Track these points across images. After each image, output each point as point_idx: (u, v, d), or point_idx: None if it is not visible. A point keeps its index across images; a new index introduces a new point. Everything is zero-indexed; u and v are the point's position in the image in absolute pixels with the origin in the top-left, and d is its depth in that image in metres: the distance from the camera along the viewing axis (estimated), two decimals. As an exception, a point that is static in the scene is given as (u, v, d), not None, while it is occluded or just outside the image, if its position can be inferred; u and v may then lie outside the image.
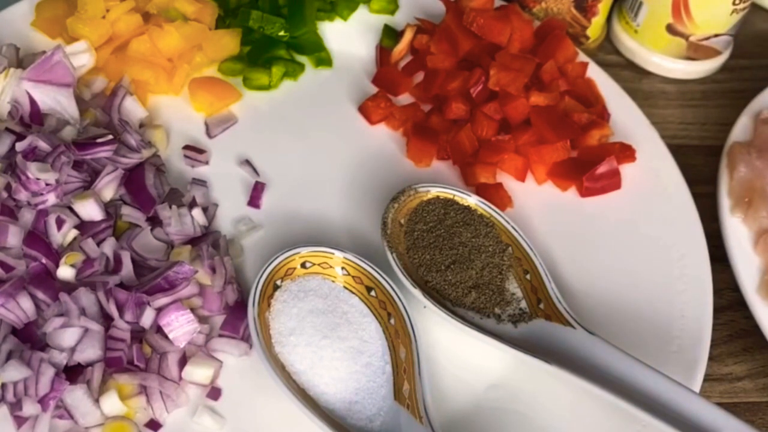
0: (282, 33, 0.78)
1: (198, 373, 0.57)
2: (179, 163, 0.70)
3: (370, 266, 0.61)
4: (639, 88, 0.86)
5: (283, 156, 0.72)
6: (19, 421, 0.54)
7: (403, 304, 0.59)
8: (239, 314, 0.60)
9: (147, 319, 0.57)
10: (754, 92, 0.80)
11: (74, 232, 0.61)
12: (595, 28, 0.86)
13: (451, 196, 0.66)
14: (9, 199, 0.61)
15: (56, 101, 0.67)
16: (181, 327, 0.56)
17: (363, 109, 0.75)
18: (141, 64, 0.73)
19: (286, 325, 0.58)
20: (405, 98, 0.77)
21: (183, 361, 0.57)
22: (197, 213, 0.64)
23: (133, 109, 0.70)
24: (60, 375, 0.54)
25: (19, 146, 0.63)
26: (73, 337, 0.56)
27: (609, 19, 0.89)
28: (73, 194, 0.62)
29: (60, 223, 0.60)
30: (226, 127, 0.73)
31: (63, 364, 0.55)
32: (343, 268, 0.61)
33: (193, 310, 0.58)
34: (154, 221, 0.64)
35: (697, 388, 0.59)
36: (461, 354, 0.61)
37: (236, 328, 0.60)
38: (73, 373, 0.56)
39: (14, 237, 0.60)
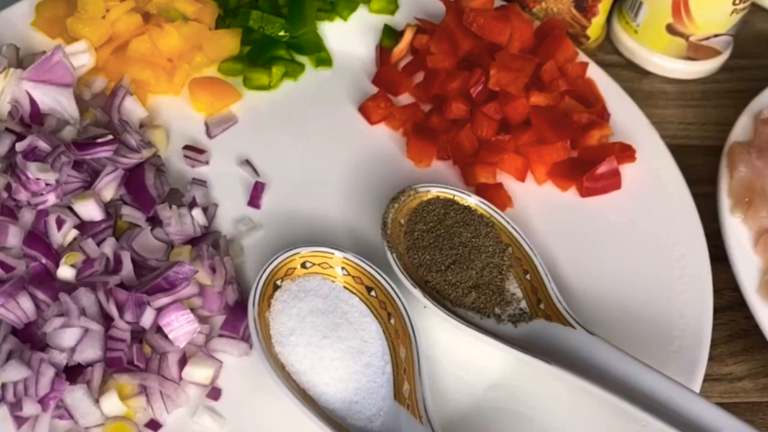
0: (282, 33, 0.78)
1: (198, 373, 0.57)
2: (179, 163, 0.70)
3: (370, 266, 0.61)
4: (639, 88, 0.86)
5: (283, 156, 0.72)
6: (19, 421, 0.54)
7: (403, 304, 0.59)
8: (239, 314, 0.60)
9: (147, 319, 0.57)
10: (754, 92, 0.79)
11: (74, 232, 0.61)
12: (595, 28, 0.86)
13: (451, 196, 0.66)
14: (9, 199, 0.61)
15: (56, 101, 0.67)
16: (181, 327, 0.56)
17: (363, 109, 0.75)
18: (141, 64, 0.73)
19: (286, 325, 0.58)
20: (405, 98, 0.77)
21: (183, 361, 0.57)
22: (197, 213, 0.64)
23: (133, 109, 0.70)
24: (60, 375, 0.54)
25: (19, 146, 0.63)
26: (73, 337, 0.56)
27: (609, 19, 0.89)
28: (73, 194, 0.62)
29: (60, 223, 0.60)
30: (226, 127, 0.73)
31: (63, 364, 0.55)
32: (343, 268, 0.61)
33: (193, 310, 0.58)
34: (154, 221, 0.64)
35: (697, 388, 0.59)
36: (461, 354, 0.61)
37: (236, 328, 0.60)
38: (73, 373, 0.56)
39: (14, 237, 0.60)
